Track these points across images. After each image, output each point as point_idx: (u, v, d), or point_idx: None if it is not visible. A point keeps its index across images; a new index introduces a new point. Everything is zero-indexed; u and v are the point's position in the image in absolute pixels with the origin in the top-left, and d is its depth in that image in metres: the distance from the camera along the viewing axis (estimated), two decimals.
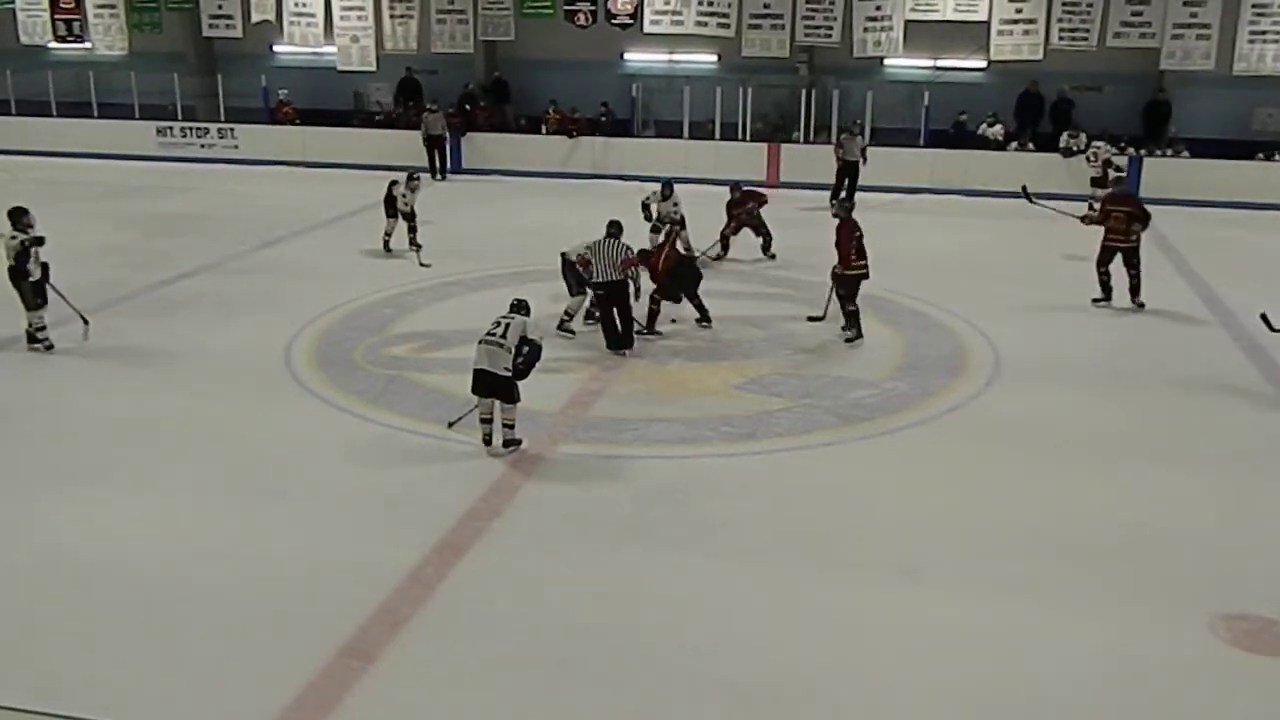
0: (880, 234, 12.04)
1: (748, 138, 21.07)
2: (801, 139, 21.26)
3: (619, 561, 6.68)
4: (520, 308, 8.22)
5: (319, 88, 23.06)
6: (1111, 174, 16.72)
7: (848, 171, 17.96)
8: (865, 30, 19.78)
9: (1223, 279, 13.35)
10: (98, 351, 10.38)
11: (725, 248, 14.19)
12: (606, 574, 6.53)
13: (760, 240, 14.20)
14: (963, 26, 19.51)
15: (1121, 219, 11.93)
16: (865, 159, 17.97)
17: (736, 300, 12.31)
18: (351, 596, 6.15)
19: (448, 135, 20.91)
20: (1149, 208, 12.22)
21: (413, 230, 14.01)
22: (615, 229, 10.54)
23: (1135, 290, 12.02)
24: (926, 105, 20.34)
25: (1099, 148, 18.07)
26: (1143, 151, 19.72)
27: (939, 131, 20.57)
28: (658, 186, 13.57)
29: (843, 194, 16.90)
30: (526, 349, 7.92)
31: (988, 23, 19.22)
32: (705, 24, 20.28)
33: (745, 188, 14.51)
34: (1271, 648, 5.82)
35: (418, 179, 14.30)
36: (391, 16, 21.53)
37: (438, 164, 20.71)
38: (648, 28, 20.57)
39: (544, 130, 22.07)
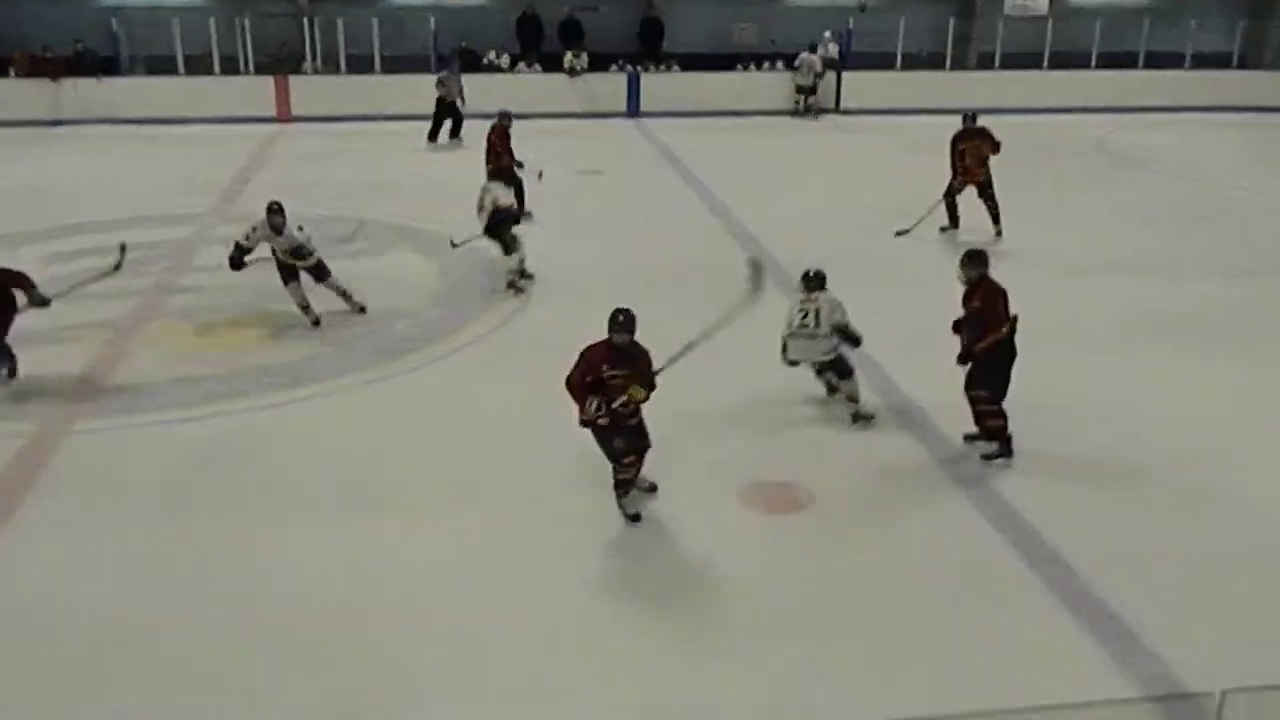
0: (389, 164, 11.92)
1: (252, 71, 19.97)
2: (311, 70, 20.49)
3: (173, 535, 6.17)
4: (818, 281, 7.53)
5: None
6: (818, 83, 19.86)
7: (448, 112, 17.51)
8: None
9: (719, 180, 14.64)
10: None
11: None
12: (163, 551, 6.01)
13: None
14: None
15: (974, 151, 11.89)
16: (464, 99, 17.56)
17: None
18: None
19: None
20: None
21: None
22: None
23: (996, 219, 12.02)
24: (434, 32, 20.30)
25: (809, 59, 20.55)
26: (639, 67, 21.03)
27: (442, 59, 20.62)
28: None
29: (440, 133, 16.68)
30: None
31: None
32: None
33: None
34: (788, 507, 6.55)
35: None
36: None
37: None
38: None
39: (13, 73, 19.59)
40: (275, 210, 9.06)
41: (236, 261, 9.16)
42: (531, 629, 5.38)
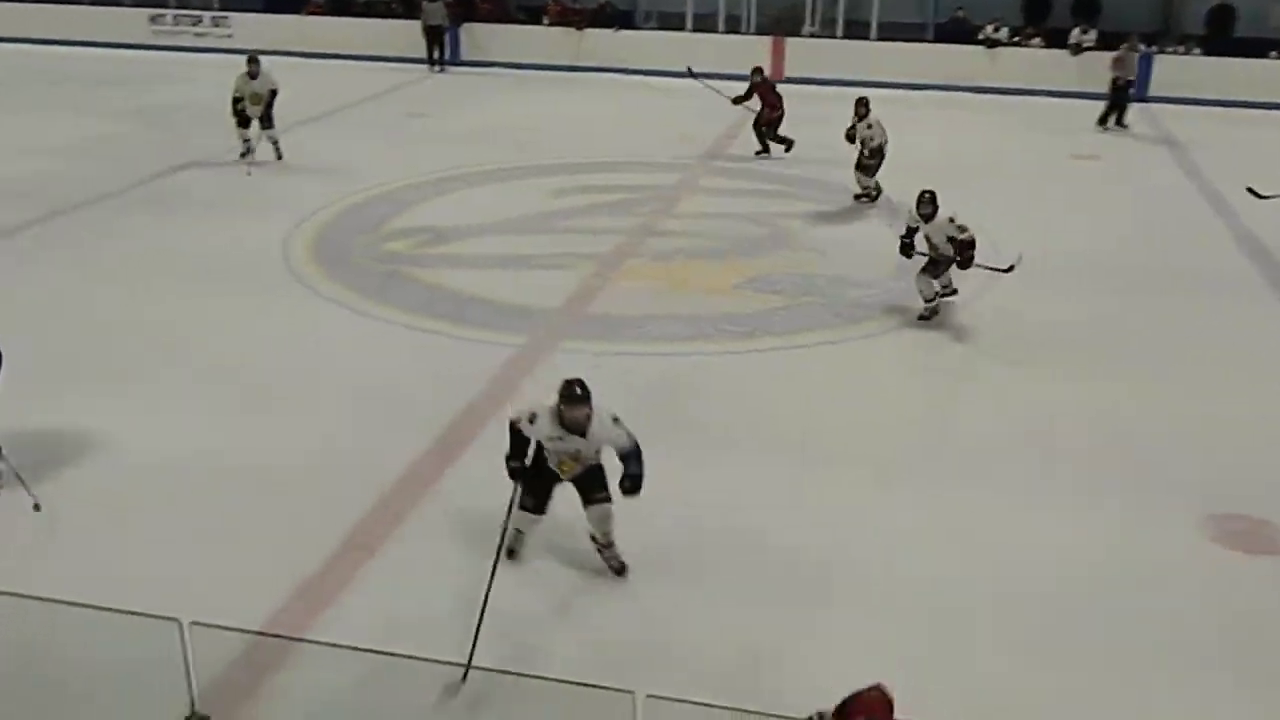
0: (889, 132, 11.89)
1: (752, 30, 20.66)
2: (809, 33, 20.84)
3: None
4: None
5: None
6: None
7: (1124, 94, 16.38)
8: None
9: (1231, 177, 13.21)
10: (90, 248, 10.31)
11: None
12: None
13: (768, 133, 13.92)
14: None
15: None
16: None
17: (738, 198, 12.21)
18: (351, 491, 6.20)
19: (447, 25, 20.49)
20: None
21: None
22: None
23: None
24: (934, 2, 19.92)
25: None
26: (1154, 48, 19.36)
27: (940, 26, 20.17)
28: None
29: (1112, 119, 16.17)
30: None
31: None
32: None
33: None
34: (1260, 547, 5.88)
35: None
36: None
37: (436, 55, 20.33)
38: None
39: (545, 22, 21.63)
40: (925, 200, 8.57)
41: (906, 247, 8.83)
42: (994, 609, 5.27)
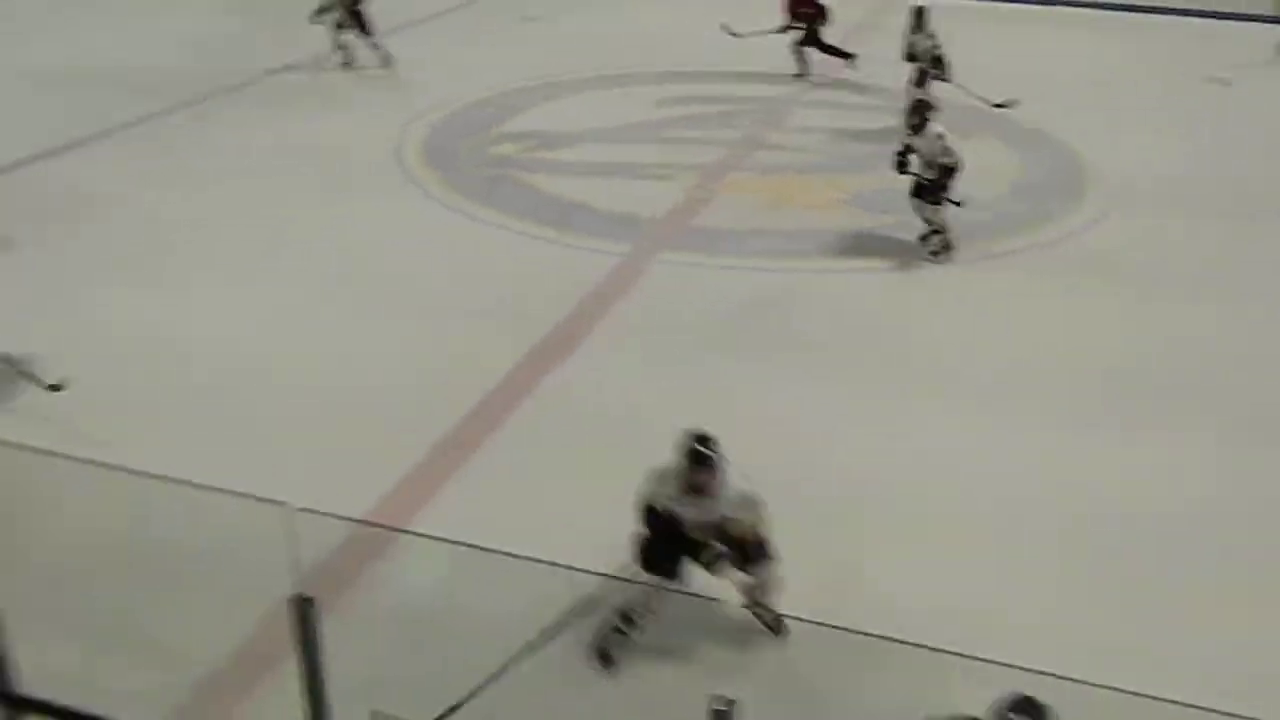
0: (1006, 49, 11.47)
1: None
2: None
3: (704, 371, 6.70)
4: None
5: None
6: None
7: None
8: None
9: None
10: (202, 141, 10.57)
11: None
12: (691, 383, 6.54)
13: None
14: None
15: None
16: None
17: (847, 112, 11.95)
18: (451, 394, 6.35)
19: None
20: None
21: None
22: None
23: None
24: None
25: None
26: None
27: None
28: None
29: None
30: None
31: None
32: None
33: None
34: None
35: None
36: None
37: None
38: None
39: None
40: (914, 109, 8.27)
41: (900, 164, 8.33)
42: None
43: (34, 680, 3.78)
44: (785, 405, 6.30)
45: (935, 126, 8.02)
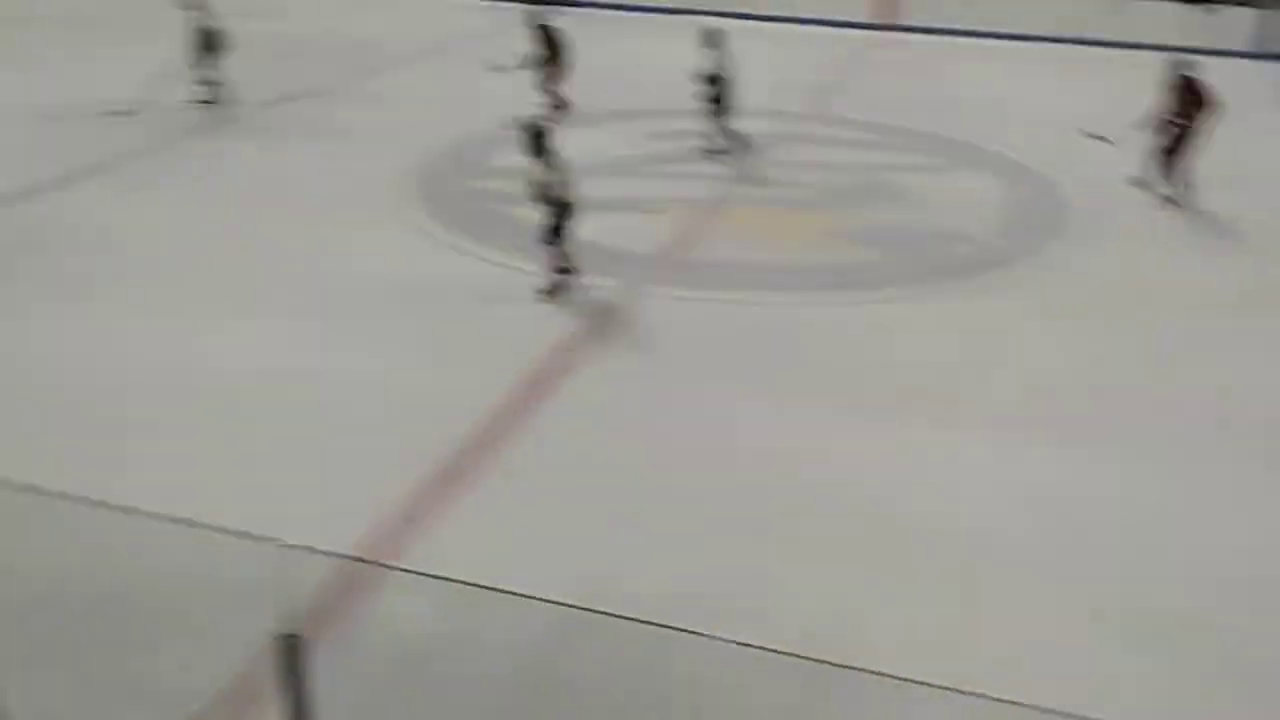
0: (996, 89, 11.56)
1: None
2: None
3: (699, 402, 6.71)
4: None
5: None
6: None
7: None
8: None
9: None
10: (197, 171, 10.57)
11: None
12: (686, 414, 6.57)
13: None
14: None
15: None
16: None
17: (839, 149, 12.01)
18: (444, 423, 6.31)
19: None
20: None
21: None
22: None
23: None
24: None
25: None
26: None
27: None
28: None
29: None
30: None
31: None
32: None
33: None
34: None
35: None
36: None
37: None
38: None
39: None
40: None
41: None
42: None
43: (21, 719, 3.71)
44: (782, 435, 6.28)
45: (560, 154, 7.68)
